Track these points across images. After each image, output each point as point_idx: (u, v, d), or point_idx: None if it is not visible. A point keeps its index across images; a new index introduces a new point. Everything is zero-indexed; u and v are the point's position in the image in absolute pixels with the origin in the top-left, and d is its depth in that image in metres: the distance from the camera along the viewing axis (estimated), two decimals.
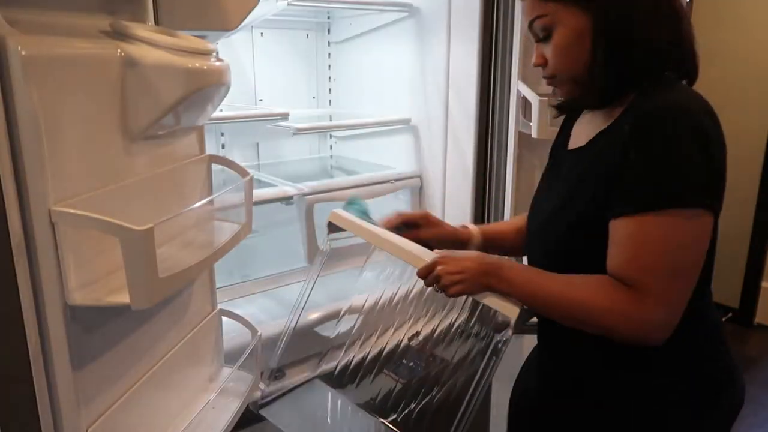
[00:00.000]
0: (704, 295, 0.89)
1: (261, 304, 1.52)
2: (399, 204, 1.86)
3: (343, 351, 1.43)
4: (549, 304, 0.87)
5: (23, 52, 0.59)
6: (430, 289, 1.00)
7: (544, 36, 0.91)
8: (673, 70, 0.88)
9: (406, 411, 1.40)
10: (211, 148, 1.07)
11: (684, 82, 0.90)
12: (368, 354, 1.44)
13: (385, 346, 1.48)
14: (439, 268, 0.93)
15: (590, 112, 0.97)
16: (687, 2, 1.47)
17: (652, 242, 0.78)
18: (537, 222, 1.01)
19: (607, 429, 0.92)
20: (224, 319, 1.09)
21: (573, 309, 0.85)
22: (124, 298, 0.67)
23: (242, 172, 0.96)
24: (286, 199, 1.52)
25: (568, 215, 0.90)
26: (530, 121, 1.46)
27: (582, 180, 0.89)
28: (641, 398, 0.89)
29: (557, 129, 1.48)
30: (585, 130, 0.96)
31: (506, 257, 1.06)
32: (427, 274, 0.95)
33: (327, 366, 1.36)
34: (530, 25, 0.93)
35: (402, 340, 1.52)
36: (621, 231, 0.81)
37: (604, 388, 0.92)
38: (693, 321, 0.84)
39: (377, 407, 1.37)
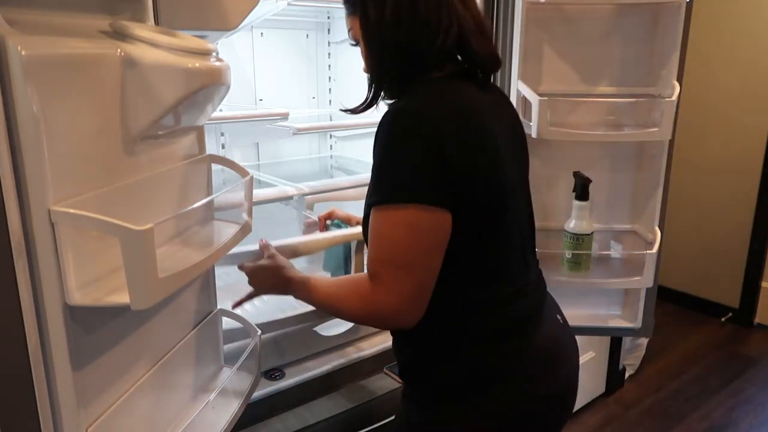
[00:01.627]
0: (468, 295, 0.92)
1: (261, 304, 1.52)
2: None
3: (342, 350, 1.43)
4: (321, 306, 1.00)
5: (23, 52, 0.59)
6: None
7: (356, 45, 0.99)
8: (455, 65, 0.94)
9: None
10: (211, 148, 1.07)
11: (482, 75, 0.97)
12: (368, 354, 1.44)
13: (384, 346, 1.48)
14: (246, 270, 1.12)
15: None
16: (687, 2, 1.47)
17: (379, 235, 0.86)
18: None
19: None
20: (224, 319, 1.09)
21: (334, 306, 0.96)
22: (123, 298, 0.67)
23: (242, 172, 0.96)
24: (286, 199, 1.52)
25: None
26: (530, 121, 1.46)
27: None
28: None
29: (558, 129, 1.48)
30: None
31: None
32: (242, 269, 1.13)
33: (328, 365, 1.37)
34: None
35: None
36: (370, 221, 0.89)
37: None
38: (446, 322, 0.92)
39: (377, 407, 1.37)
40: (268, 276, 1.08)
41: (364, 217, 0.94)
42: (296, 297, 1.04)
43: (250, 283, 1.12)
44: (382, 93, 0.99)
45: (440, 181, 0.83)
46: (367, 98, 1.01)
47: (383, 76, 0.96)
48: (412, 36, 0.89)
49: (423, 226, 0.84)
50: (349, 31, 0.99)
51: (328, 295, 0.98)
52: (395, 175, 0.84)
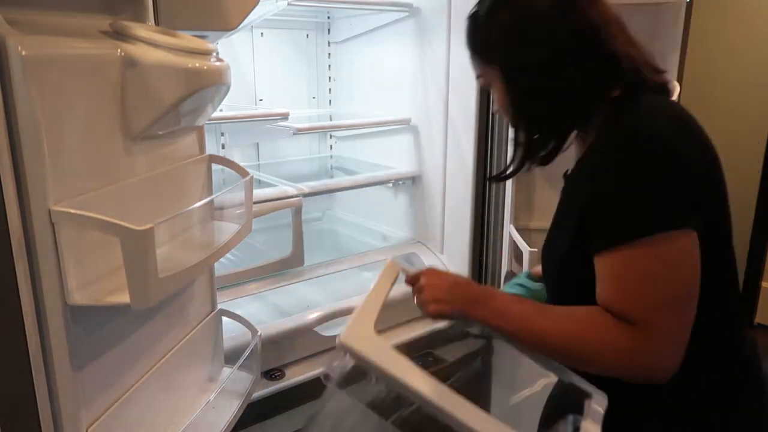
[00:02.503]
0: (713, 322, 0.78)
1: (261, 304, 1.52)
2: (398, 204, 1.86)
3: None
4: (538, 340, 0.78)
5: (23, 52, 0.59)
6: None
7: (488, 90, 0.89)
8: (627, 88, 0.80)
9: (407, 411, 1.40)
10: (211, 148, 1.06)
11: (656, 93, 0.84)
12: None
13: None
14: (423, 279, 0.85)
15: (575, 136, 0.93)
16: (687, 2, 1.47)
17: (635, 276, 0.73)
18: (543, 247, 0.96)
19: None
20: (224, 319, 1.09)
21: (566, 347, 0.77)
22: (124, 298, 0.67)
23: (242, 172, 0.96)
24: (287, 199, 1.52)
25: (558, 246, 0.86)
26: None
27: (562, 210, 0.87)
28: None
29: None
30: (573, 154, 0.93)
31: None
32: (414, 282, 0.87)
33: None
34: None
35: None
36: (604, 266, 0.75)
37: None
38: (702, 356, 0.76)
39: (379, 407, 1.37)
40: (451, 287, 0.84)
41: (566, 255, 0.82)
42: (489, 319, 0.81)
43: (422, 299, 0.86)
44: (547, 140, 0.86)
45: (685, 199, 0.73)
46: (526, 152, 0.88)
47: (530, 127, 0.85)
48: (567, 76, 0.80)
49: (685, 250, 0.72)
50: (478, 77, 0.87)
51: (559, 331, 0.76)
52: (640, 204, 0.72)
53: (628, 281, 0.74)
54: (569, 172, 0.90)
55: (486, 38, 0.84)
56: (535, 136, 0.86)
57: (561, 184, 1.00)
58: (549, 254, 0.90)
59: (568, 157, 1.05)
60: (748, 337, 0.86)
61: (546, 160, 0.89)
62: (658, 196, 0.72)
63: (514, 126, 0.87)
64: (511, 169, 0.92)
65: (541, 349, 0.79)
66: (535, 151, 0.87)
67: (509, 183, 1.55)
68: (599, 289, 0.76)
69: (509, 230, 1.54)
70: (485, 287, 0.86)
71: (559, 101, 0.82)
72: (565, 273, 0.86)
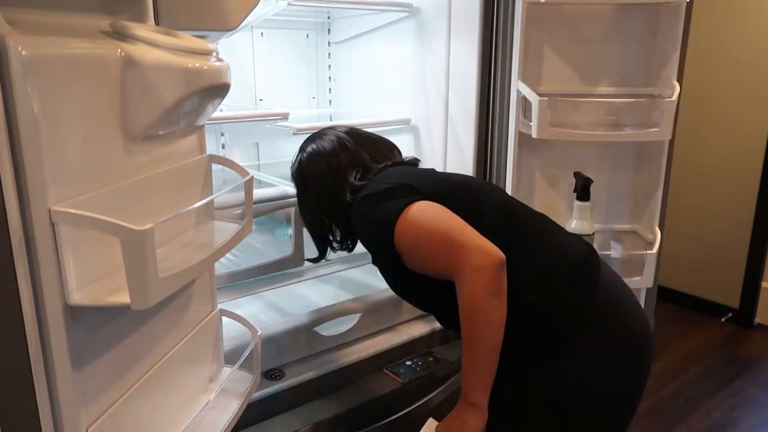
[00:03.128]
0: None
1: (261, 304, 1.52)
2: None
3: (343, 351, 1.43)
4: (486, 352, 0.98)
5: (23, 52, 0.59)
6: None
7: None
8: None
9: (407, 410, 1.40)
10: (211, 148, 1.06)
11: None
12: (368, 354, 1.44)
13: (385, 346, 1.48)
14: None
15: None
16: (687, 2, 1.47)
17: (423, 238, 1.02)
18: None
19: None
20: (224, 319, 1.09)
21: (479, 330, 0.97)
22: (124, 298, 0.67)
23: (242, 172, 0.96)
24: (287, 199, 1.52)
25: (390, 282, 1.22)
26: (530, 121, 1.46)
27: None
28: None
29: (558, 129, 1.48)
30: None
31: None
32: None
33: (328, 366, 1.36)
34: None
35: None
36: (412, 264, 1.06)
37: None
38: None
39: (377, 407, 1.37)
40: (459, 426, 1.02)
41: (392, 275, 1.17)
42: (482, 403, 1.00)
43: None
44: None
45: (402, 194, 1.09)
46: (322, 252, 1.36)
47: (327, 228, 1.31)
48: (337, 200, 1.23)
49: (426, 206, 1.04)
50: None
51: (472, 344, 0.98)
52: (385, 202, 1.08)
53: (421, 246, 1.03)
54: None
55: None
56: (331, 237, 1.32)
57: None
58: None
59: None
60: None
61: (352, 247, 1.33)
62: (382, 207, 1.07)
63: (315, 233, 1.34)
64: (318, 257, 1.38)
65: (487, 352, 0.98)
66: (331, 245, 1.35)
67: (509, 183, 1.55)
68: (428, 270, 1.05)
69: None
70: (465, 410, 1.02)
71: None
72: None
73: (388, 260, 1.10)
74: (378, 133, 1.34)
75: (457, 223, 1.00)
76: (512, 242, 1.04)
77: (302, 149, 1.30)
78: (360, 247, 1.27)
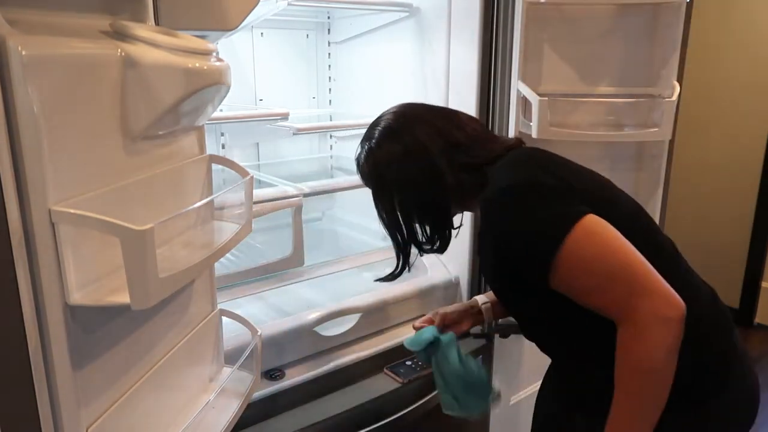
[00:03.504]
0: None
1: (261, 304, 1.52)
2: None
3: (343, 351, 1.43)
4: (648, 424, 0.84)
5: (23, 52, 0.59)
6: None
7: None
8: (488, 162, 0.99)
9: (407, 410, 1.40)
10: (211, 148, 1.06)
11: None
12: (368, 354, 1.44)
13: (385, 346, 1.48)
14: None
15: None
16: (687, 2, 1.47)
17: (584, 277, 0.85)
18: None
19: None
20: (224, 319, 1.09)
21: (637, 382, 0.83)
22: (124, 298, 0.67)
23: (242, 172, 0.96)
24: (287, 199, 1.52)
25: (506, 300, 1.05)
26: (530, 121, 1.46)
27: (494, 277, 1.04)
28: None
29: (558, 129, 1.48)
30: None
31: None
32: None
33: (328, 365, 1.36)
34: None
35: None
36: (563, 287, 0.87)
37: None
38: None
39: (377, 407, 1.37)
40: None
41: (518, 290, 0.97)
42: None
43: None
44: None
45: (569, 200, 0.89)
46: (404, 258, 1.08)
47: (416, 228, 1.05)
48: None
49: (595, 225, 0.85)
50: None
51: (639, 404, 0.83)
52: (543, 228, 0.86)
53: (585, 279, 0.85)
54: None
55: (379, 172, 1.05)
56: (430, 234, 1.05)
57: None
58: (502, 300, 1.08)
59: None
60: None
61: (445, 247, 1.08)
62: (547, 211, 0.86)
63: (409, 235, 1.05)
64: (400, 269, 1.11)
65: (656, 414, 0.84)
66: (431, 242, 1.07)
67: None
68: (584, 302, 0.87)
69: None
70: None
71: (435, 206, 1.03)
72: (524, 312, 1.02)
73: (527, 273, 0.90)
74: None
75: (639, 257, 0.83)
76: (681, 284, 0.86)
77: (368, 138, 1.07)
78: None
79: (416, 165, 0.99)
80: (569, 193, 0.89)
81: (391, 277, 1.12)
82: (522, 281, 0.93)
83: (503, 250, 0.92)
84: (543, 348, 1.04)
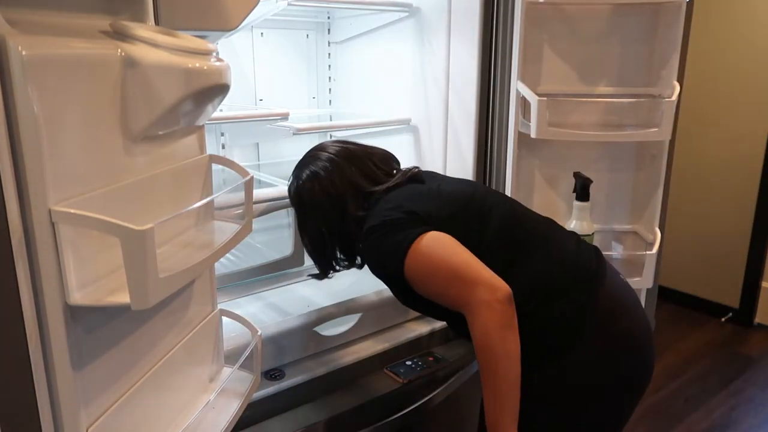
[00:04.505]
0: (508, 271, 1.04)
1: (261, 304, 1.52)
2: None
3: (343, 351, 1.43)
4: (504, 397, 0.99)
5: (23, 52, 0.59)
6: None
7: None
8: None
9: (407, 410, 1.40)
10: (211, 148, 1.07)
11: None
12: (368, 354, 1.44)
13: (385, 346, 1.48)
14: None
15: None
16: (687, 2, 1.47)
17: (434, 270, 1.05)
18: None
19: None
20: (224, 319, 1.09)
21: (496, 372, 0.99)
22: (124, 298, 0.67)
23: (242, 172, 0.96)
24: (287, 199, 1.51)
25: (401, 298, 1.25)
26: (530, 121, 1.46)
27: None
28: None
29: (557, 129, 1.48)
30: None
31: None
32: None
33: (328, 366, 1.36)
34: None
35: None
36: (422, 292, 1.09)
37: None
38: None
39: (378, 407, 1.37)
40: None
41: (404, 297, 1.19)
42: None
43: None
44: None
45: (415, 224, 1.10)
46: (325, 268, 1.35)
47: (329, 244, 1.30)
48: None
49: (435, 237, 1.06)
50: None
51: (492, 380, 1.00)
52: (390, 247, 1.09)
53: (432, 277, 1.05)
54: None
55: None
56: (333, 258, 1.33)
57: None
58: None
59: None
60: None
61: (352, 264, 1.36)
62: (392, 237, 1.08)
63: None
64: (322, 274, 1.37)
65: (510, 386, 0.99)
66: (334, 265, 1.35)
67: (508, 182, 1.55)
68: (440, 302, 1.08)
69: None
70: None
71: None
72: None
73: (401, 288, 1.13)
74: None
75: (464, 256, 1.03)
76: (517, 253, 1.10)
77: (297, 176, 1.29)
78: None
79: (326, 212, 1.25)
80: (410, 219, 1.10)
81: (318, 276, 1.37)
82: (407, 294, 1.14)
83: (380, 276, 1.18)
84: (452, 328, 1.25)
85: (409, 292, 1.11)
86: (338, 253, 1.30)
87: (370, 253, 1.15)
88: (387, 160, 1.32)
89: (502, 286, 0.98)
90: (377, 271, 1.17)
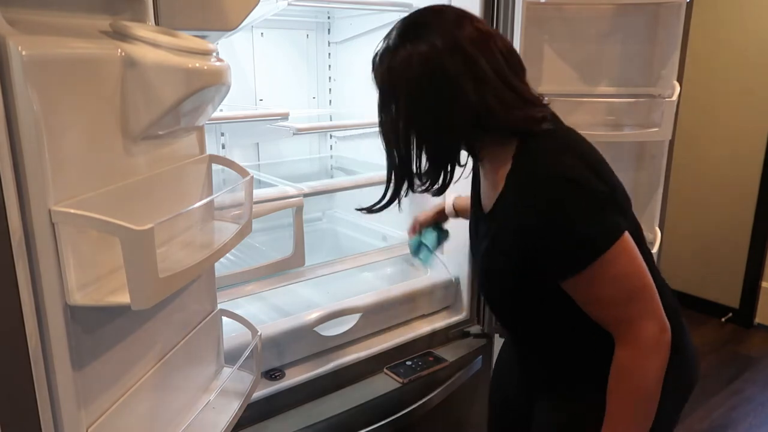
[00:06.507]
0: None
1: (261, 304, 1.52)
2: None
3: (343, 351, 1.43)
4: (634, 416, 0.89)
5: (23, 52, 0.59)
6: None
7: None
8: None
9: (407, 410, 1.40)
10: (211, 148, 1.07)
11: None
12: (368, 354, 1.44)
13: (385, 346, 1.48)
14: None
15: (482, 168, 1.02)
16: (687, 2, 1.47)
17: (612, 281, 0.87)
18: (479, 265, 1.06)
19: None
20: (224, 319, 1.09)
21: (635, 403, 0.88)
22: (124, 298, 0.67)
23: (242, 172, 0.96)
24: (287, 199, 1.52)
25: (500, 281, 0.99)
26: None
27: (497, 253, 0.97)
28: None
29: None
30: (486, 190, 1.02)
31: None
32: None
33: (328, 365, 1.37)
34: None
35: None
36: (576, 290, 0.89)
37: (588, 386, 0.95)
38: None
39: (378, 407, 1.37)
40: None
41: (512, 290, 0.97)
42: None
43: None
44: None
45: (611, 208, 0.88)
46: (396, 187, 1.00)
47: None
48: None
49: (627, 246, 0.87)
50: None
51: (619, 401, 0.89)
52: (583, 233, 0.85)
53: (602, 294, 0.88)
54: (488, 210, 0.99)
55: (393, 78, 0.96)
56: (428, 167, 0.95)
57: None
58: (490, 285, 1.03)
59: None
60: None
61: (442, 191, 1.00)
62: (588, 224, 0.85)
63: (403, 158, 0.95)
64: (387, 200, 1.02)
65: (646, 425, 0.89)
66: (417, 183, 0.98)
67: None
68: (587, 310, 0.90)
69: None
70: None
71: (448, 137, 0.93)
72: (511, 302, 1.00)
73: (549, 268, 0.89)
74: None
75: (651, 280, 0.88)
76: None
77: (389, 36, 0.98)
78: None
79: (437, 82, 0.88)
80: (612, 202, 0.89)
81: (375, 207, 1.04)
82: (529, 270, 0.91)
83: (534, 240, 0.87)
84: (518, 335, 1.08)
85: (539, 278, 0.90)
86: (423, 160, 0.95)
87: (554, 213, 0.85)
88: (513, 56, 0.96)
89: (668, 327, 0.88)
90: (534, 234, 0.87)
